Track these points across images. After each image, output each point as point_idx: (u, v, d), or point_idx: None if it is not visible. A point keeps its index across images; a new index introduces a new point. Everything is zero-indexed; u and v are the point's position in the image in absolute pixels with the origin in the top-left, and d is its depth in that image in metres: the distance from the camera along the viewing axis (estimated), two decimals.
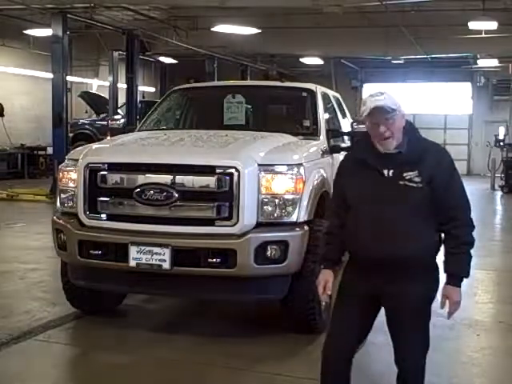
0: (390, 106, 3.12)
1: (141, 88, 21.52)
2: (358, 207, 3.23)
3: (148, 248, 4.81)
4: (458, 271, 3.20)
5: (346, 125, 7.53)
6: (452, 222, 3.15)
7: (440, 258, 3.25)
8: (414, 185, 3.10)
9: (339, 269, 3.42)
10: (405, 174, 3.12)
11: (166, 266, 4.78)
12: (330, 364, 3.31)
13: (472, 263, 3.25)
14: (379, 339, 4.97)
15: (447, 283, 3.19)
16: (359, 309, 3.26)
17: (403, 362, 3.27)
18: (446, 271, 3.18)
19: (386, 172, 3.15)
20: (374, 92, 3.22)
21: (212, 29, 17.10)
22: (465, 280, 3.28)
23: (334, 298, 3.39)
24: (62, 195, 5.33)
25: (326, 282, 3.31)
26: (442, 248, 3.24)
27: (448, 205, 3.16)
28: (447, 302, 3.20)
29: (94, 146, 5.71)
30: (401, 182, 3.12)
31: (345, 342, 3.28)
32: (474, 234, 3.22)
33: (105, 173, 5.02)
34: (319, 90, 6.76)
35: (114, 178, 5.02)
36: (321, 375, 3.35)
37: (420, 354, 3.28)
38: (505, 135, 21.24)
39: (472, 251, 3.22)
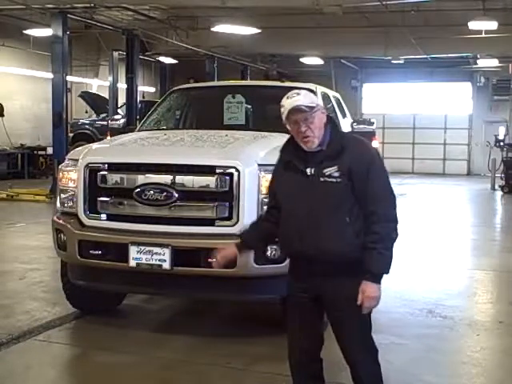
0: (307, 104, 3.16)
1: (141, 88, 21.53)
2: (285, 207, 3.28)
3: (148, 248, 4.82)
4: (374, 267, 3.10)
5: (345, 125, 7.53)
6: (371, 217, 3.11)
7: None
8: (334, 180, 3.12)
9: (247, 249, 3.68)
10: (325, 171, 3.15)
11: (166, 266, 4.78)
12: (297, 368, 3.45)
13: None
14: (384, 342, 4.99)
15: (364, 278, 3.10)
16: (307, 310, 3.33)
17: (355, 363, 3.31)
18: (364, 266, 3.10)
19: (308, 171, 3.19)
20: (290, 93, 3.26)
21: (212, 29, 17.10)
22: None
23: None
24: (62, 195, 5.33)
25: (225, 253, 3.50)
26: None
27: (367, 198, 3.12)
28: (360, 296, 3.11)
29: (94, 145, 5.71)
30: (321, 179, 3.15)
31: (304, 346, 3.39)
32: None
33: (105, 173, 5.03)
34: (319, 89, 6.77)
35: (113, 178, 5.02)
36: (293, 380, 3.49)
37: (369, 351, 3.32)
38: (505, 135, 21.23)
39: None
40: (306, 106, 3.17)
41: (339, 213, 3.13)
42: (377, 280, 3.12)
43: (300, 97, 3.20)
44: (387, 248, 3.11)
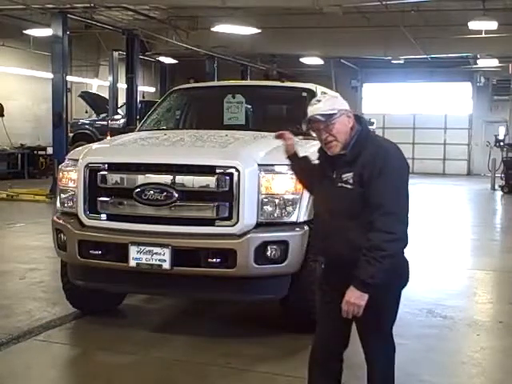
0: (324, 113, 3.13)
1: (141, 88, 21.52)
2: (315, 208, 3.37)
3: (148, 248, 4.81)
4: (359, 274, 3.00)
5: None
6: (371, 225, 3.00)
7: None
8: (349, 186, 3.09)
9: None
10: (343, 176, 3.12)
11: (166, 266, 4.78)
12: (315, 365, 3.36)
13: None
14: None
15: (352, 282, 3.04)
16: (333, 308, 3.26)
17: (370, 362, 3.30)
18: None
19: (333, 174, 3.19)
20: (313, 99, 3.26)
21: (212, 29, 17.11)
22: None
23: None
24: (62, 195, 5.33)
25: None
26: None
27: (371, 205, 3.02)
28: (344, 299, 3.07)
29: (94, 146, 5.71)
30: (339, 184, 3.12)
31: (327, 346, 3.33)
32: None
33: (105, 173, 5.02)
34: (319, 89, 6.76)
35: (113, 178, 5.02)
36: (308, 375, 3.40)
37: (384, 354, 3.30)
38: (505, 135, 21.26)
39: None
40: (323, 115, 3.12)
41: (355, 219, 3.08)
42: (361, 288, 3.01)
43: (320, 104, 3.17)
44: (375, 258, 2.97)
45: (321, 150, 3.36)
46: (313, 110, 3.18)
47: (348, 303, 3.05)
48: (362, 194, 3.05)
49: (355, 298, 3.03)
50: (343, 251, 3.12)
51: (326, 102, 3.20)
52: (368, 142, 3.17)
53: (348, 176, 3.09)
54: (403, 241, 3.08)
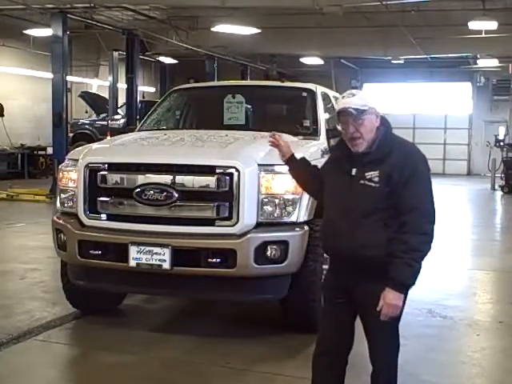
0: (357, 107, 3.14)
1: (141, 88, 21.53)
2: (326, 204, 3.32)
3: (148, 248, 4.82)
4: (398, 276, 3.05)
5: None
6: (403, 227, 3.06)
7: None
8: (373, 184, 3.10)
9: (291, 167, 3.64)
10: (366, 174, 3.12)
11: (166, 266, 4.79)
12: (323, 367, 3.36)
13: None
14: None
15: (386, 285, 3.07)
16: (339, 308, 3.29)
17: (375, 361, 3.31)
18: (389, 273, 3.06)
19: (353, 171, 3.18)
20: (346, 92, 3.25)
21: (212, 29, 17.11)
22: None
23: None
24: (62, 195, 5.33)
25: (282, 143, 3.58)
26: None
27: (402, 207, 3.08)
28: (380, 302, 3.08)
29: (94, 146, 5.71)
30: (361, 181, 3.13)
31: (330, 346, 3.32)
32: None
33: (105, 173, 5.03)
34: (319, 89, 6.76)
35: (113, 178, 5.02)
36: (312, 378, 3.40)
37: (390, 354, 3.31)
38: (505, 135, 21.27)
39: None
40: (356, 109, 3.13)
41: (374, 217, 3.10)
42: (400, 289, 3.08)
43: (353, 99, 3.17)
44: (414, 259, 3.05)
45: (338, 147, 3.36)
46: (346, 102, 3.17)
47: (388, 305, 3.08)
48: (387, 193, 3.08)
49: (395, 300, 3.08)
50: (353, 249, 3.12)
51: (360, 97, 3.20)
52: (393, 142, 3.21)
53: (373, 174, 3.10)
54: (433, 240, 3.15)
